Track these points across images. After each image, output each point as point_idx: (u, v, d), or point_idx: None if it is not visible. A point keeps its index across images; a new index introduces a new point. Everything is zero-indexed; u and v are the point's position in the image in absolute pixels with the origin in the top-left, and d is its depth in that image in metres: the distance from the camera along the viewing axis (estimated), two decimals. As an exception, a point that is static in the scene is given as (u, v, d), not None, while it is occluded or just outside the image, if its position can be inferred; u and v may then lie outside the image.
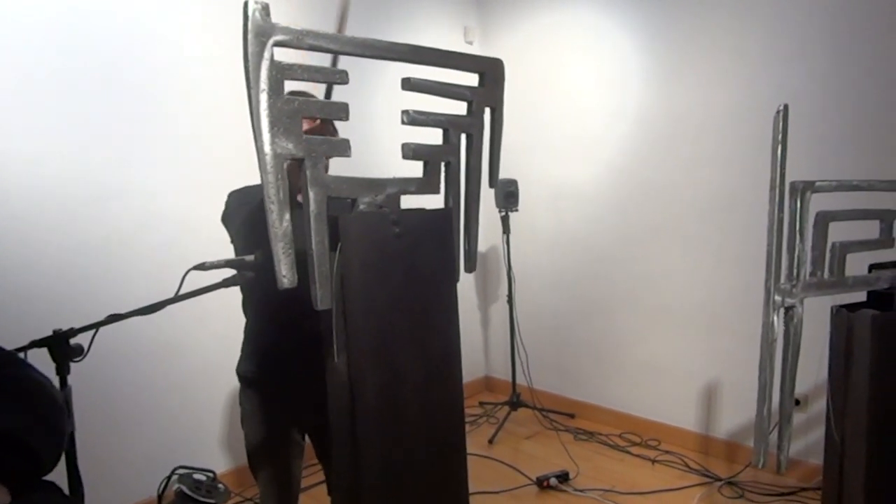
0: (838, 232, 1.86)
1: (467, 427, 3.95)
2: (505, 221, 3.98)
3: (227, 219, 1.89)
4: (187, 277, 1.60)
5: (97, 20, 2.73)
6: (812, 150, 2.85)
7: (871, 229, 1.96)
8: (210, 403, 3.19)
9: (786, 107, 1.65)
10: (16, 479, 1.09)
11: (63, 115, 2.66)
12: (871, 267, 1.95)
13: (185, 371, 3.10)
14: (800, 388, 2.88)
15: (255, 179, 1.34)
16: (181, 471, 3.02)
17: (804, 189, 1.77)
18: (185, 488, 2.85)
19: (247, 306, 1.95)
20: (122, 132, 2.82)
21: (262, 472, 2.00)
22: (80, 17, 2.67)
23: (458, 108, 1.64)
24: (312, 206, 1.33)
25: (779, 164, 1.66)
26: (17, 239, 2.57)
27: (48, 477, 1.16)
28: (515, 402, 4.10)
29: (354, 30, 1.60)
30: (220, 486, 3.01)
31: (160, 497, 2.99)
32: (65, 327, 1.59)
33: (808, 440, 3.09)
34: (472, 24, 4.41)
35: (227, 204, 1.90)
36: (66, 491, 1.45)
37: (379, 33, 1.72)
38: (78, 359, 1.59)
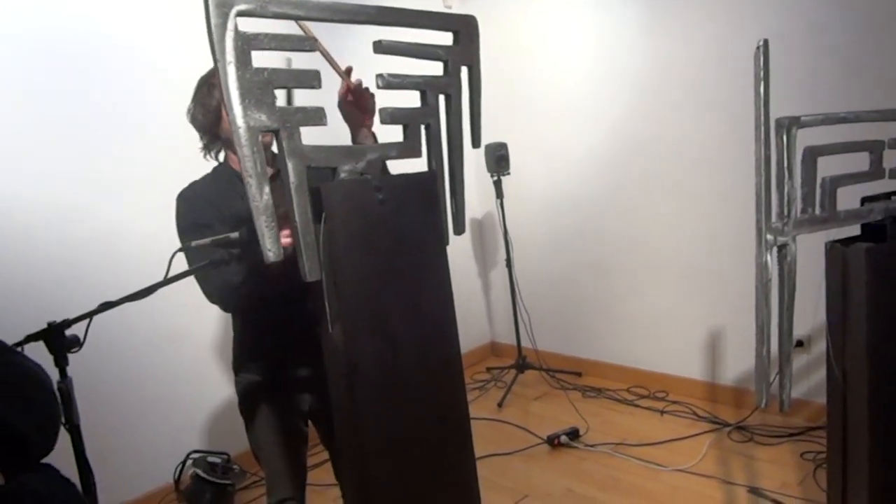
0: (827, 166, 1.83)
1: (476, 393, 3.99)
2: (498, 186, 3.97)
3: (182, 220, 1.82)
4: (174, 260, 1.60)
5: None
6: (798, 86, 2.81)
7: (860, 162, 1.94)
8: (218, 386, 3.20)
9: (765, 42, 1.62)
10: (5, 462, 1.09)
11: (54, 115, 2.68)
12: (864, 200, 1.93)
13: (189, 356, 3.12)
14: (802, 330, 2.90)
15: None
16: (195, 455, 3.06)
17: (790, 125, 1.74)
18: (200, 472, 2.89)
19: None
20: (111, 129, 2.84)
21: (269, 466, 1.96)
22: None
23: (435, 69, 1.62)
24: (292, 178, 1.31)
25: (762, 101, 1.62)
26: (5, 235, 2.58)
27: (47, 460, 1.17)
28: (522, 365, 4.13)
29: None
30: (234, 467, 3.05)
31: (177, 482, 3.03)
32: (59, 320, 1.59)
33: (813, 381, 3.11)
34: (450, -13, 4.34)
35: (178, 207, 1.83)
36: (77, 484, 1.45)
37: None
38: (75, 350, 1.58)
